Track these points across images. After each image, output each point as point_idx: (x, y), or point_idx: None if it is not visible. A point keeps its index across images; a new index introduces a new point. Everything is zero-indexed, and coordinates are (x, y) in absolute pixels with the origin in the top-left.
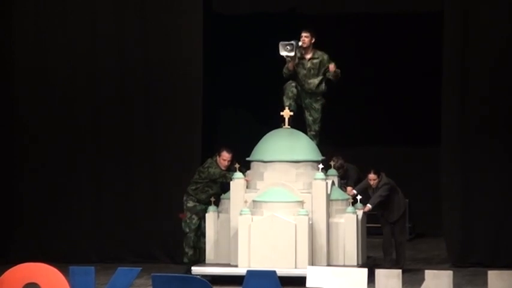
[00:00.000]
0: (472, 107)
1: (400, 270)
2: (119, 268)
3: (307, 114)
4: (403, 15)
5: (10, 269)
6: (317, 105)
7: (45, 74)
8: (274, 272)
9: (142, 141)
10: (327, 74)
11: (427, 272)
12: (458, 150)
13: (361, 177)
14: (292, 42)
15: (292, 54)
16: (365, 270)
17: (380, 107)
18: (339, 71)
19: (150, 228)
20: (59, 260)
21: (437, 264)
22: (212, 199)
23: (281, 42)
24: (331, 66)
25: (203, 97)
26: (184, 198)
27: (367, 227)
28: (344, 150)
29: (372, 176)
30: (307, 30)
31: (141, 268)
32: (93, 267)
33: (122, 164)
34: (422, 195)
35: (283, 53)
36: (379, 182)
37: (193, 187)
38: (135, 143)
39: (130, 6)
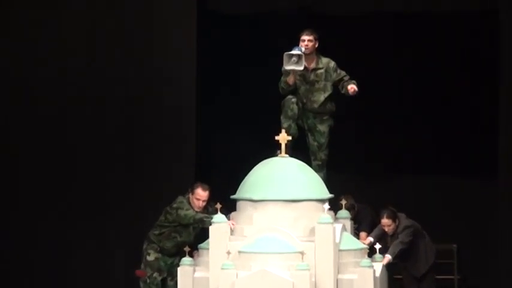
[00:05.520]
0: None
1: None
2: None
3: (310, 138)
4: (448, 14)
5: None
6: (323, 128)
7: (36, 80)
8: None
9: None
10: (343, 91)
11: None
12: None
13: (376, 220)
14: (299, 52)
15: (301, 68)
16: None
17: (419, 128)
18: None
19: None
20: None
21: None
22: (186, 249)
23: (286, 53)
24: (351, 89)
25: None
26: (144, 246)
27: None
28: (372, 181)
29: (385, 221)
30: (309, 31)
31: None
32: None
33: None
34: (475, 239)
35: (288, 66)
36: (396, 226)
37: (157, 232)
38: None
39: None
